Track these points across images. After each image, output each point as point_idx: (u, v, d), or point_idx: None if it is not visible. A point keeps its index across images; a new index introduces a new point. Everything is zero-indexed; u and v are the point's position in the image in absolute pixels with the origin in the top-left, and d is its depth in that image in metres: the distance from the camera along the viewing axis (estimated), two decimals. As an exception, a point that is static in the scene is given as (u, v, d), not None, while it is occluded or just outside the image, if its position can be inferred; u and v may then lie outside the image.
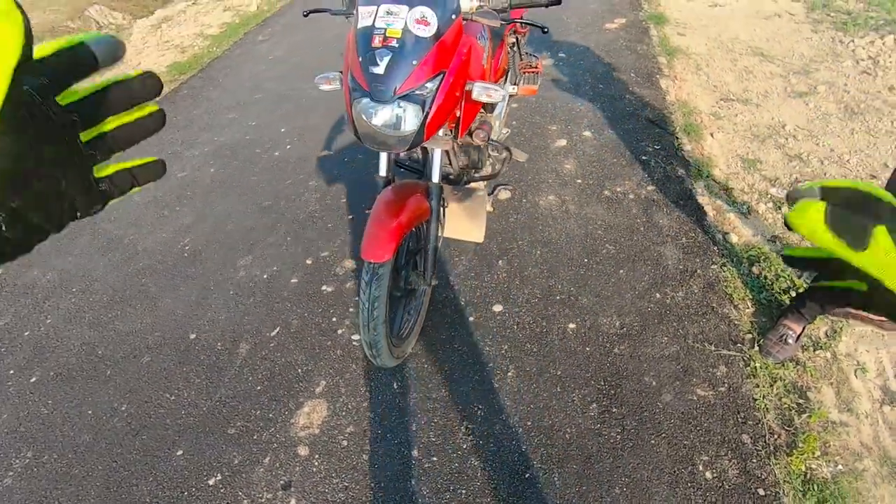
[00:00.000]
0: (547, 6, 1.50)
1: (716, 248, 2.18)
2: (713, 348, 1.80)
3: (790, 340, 1.71)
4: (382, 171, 1.64)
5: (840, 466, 1.49)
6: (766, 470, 1.49)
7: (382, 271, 1.44)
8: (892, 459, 1.50)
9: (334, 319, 2.04)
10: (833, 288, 0.40)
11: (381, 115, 1.33)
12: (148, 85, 0.36)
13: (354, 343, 1.94)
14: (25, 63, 0.26)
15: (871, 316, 1.74)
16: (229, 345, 1.99)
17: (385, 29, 1.30)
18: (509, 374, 1.79)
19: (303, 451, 1.64)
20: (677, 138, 2.82)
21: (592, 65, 3.58)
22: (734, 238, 2.23)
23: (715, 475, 1.49)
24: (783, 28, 3.89)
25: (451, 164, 1.86)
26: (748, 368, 1.73)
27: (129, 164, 0.39)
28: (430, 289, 1.90)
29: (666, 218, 2.35)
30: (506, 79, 2.20)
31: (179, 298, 2.21)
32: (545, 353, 1.84)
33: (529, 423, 1.64)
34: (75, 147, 0.33)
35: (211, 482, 1.58)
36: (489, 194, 2.03)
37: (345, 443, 1.65)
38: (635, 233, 2.28)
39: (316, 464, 1.60)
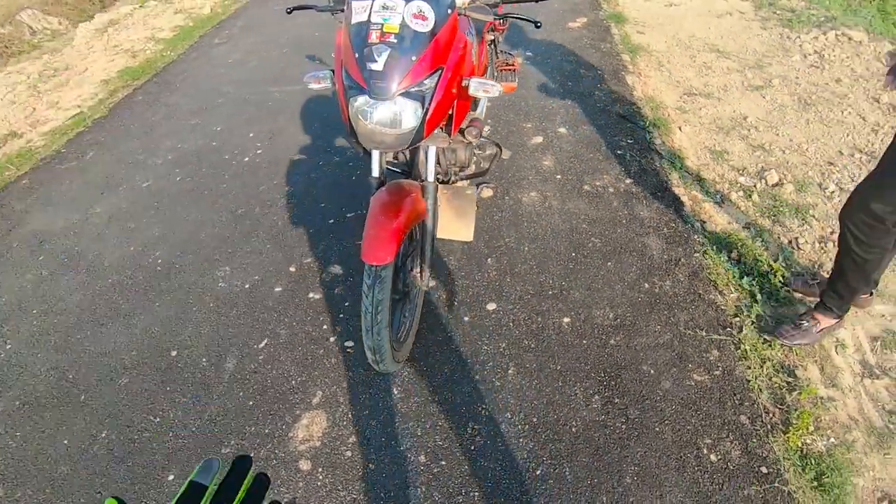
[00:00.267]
0: (538, 0, 1.50)
1: (696, 236, 2.25)
2: (704, 334, 1.85)
3: (813, 330, 1.73)
4: (375, 173, 1.60)
5: (832, 439, 1.56)
6: (766, 448, 1.54)
7: (385, 273, 1.40)
8: (877, 430, 1.58)
9: (325, 327, 1.97)
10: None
11: (381, 114, 1.30)
12: (260, 484, 0.45)
13: (349, 350, 1.88)
14: None
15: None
16: (215, 360, 1.89)
17: (382, 24, 1.27)
18: (510, 371, 1.78)
19: (305, 465, 1.57)
20: (648, 132, 2.90)
21: (560, 63, 3.64)
22: (712, 226, 2.31)
23: (719, 457, 1.52)
24: (735, 25, 4.08)
25: (438, 163, 1.83)
26: (739, 351, 1.79)
27: None
28: (424, 291, 1.87)
29: (646, 210, 2.40)
30: (486, 76, 2.20)
31: (155, 314, 2.09)
32: (543, 349, 1.84)
33: (535, 420, 1.64)
34: None
35: (208, 506, 1.49)
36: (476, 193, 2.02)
37: (349, 454, 1.59)
38: (618, 225, 2.32)
39: (320, 478, 1.54)
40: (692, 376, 1.73)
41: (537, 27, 1.57)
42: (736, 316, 1.91)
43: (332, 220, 2.47)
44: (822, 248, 2.19)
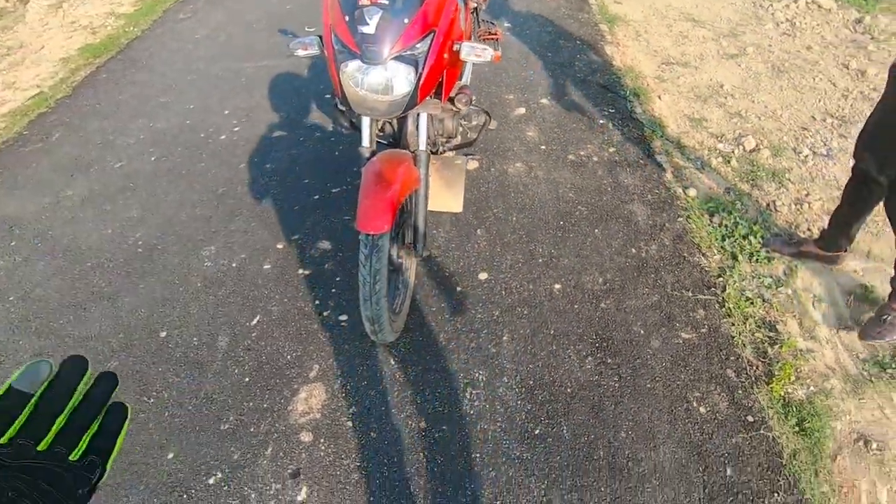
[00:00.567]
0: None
1: (679, 202, 2.30)
2: (690, 294, 1.91)
3: (894, 321, 1.70)
4: (366, 142, 1.57)
5: (812, 388, 1.64)
6: (752, 399, 1.61)
7: (382, 242, 1.39)
8: (852, 377, 1.67)
9: (318, 302, 1.96)
10: None
11: (373, 79, 1.28)
12: (104, 384, 0.40)
13: (343, 324, 1.88)
14: None
15: (820, 252, 1.91)
16: (207, 339, 1.87)
17: (372, -15, 1.24)
18: (504, 338, 1.81)
19: (306, 437, 1.58)
20: (629, 102, 2.93)
21: (538, 34, 3.62)
22: (693, 192, 2.36)
23: (708, 409, 1.59)
24: (710, -6, 4.11)
25: (427, 133, 1.82)
26: (723, 309, 1.86)
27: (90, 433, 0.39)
28: (417, 262, 1.88)
29: (630, 177, 2.44)
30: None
31: (141, 296, 2.04)
32: (536, 315, 1.87)
33: (531, 382, 1.68)
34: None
35: (211, 481, 1.49)
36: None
37: (349, 423, 1.61)
38: (604, 193, 2.36)
39: (322, 448, 1.55)
40: (680, 334, 1.79)
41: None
42: (719, 276, 1.98)
43: (317, 196, 2.44)
44: (798, 210, 2.27)
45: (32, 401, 0.35)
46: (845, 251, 1.96)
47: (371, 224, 1.35)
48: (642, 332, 1.80)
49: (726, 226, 2.17)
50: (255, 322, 1.91)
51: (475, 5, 2.24)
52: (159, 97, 3.29)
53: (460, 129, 1.94)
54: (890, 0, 3.77)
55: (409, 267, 1.83)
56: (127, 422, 0.40)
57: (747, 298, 1.89)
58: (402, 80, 1.29)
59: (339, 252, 2.16)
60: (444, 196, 1.95)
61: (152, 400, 1.70)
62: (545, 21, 3.75)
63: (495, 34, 2.41)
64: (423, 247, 1.67)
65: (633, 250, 2.09)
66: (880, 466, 1.46)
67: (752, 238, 2.09)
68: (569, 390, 1.65)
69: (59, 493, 0.35)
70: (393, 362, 1.75)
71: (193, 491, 1.48)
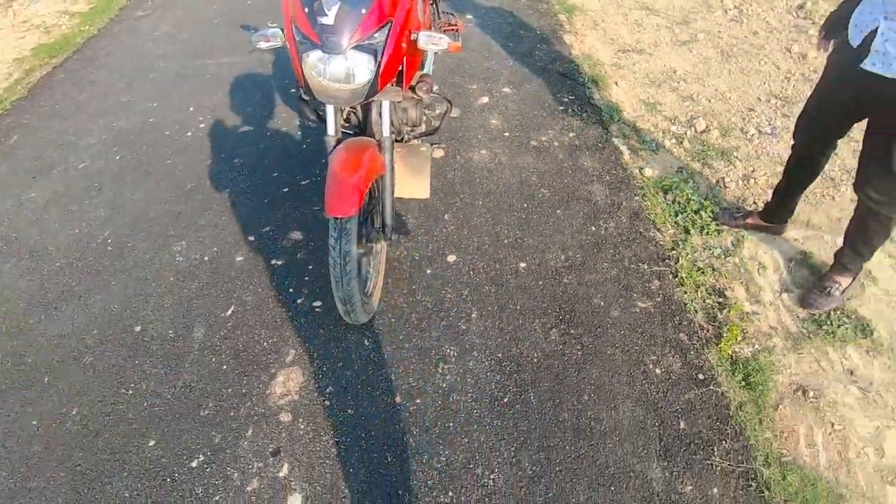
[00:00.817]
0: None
1: (635, 181, 2.42)
2: (646, 267, 2.03)
3: (835, 293, 1.84)
4: (331, 131, 1.63)
5: (757, 346, 1.78)
6: (703, 359, 1.74)
7: (350, 226, 1.46)
8: (793, 335, 1.82)
9: (291, 290, 2.01)
10: None
11: (335, 68, 1.33)
12: None
13: (317, 310, 1.94)
14: None
15: (765, 223, 2.05)
16: (182, 331, 1.90)
17: (329, -22, 1.29)
18: (473, 315, 1.89)
19: (286, 417, 1.64)
20: (587, 88, 3.04)
21: (499, 25, 3.71)
22: (648, 172, 2.49)
23: (663, 370, 1.71)
24: (662, -16, 4.26)
25: (391, 122, 1.88)
26: (676, 279, 1.98)
27: None
28: (387, 245, 1.94)
29: (589, 160, 2.55)
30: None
31: (113, 293, 2.05)
32: (503, 293, 1.97)
33: (500, 355, 1.77)
34: None
35: (193, 464, 1.54)
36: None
37: (327, 402, 1.67)
38: (565, 176, 2.46)
39: (302, 427, 1.61)
40: (637, 304, 1.91)
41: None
42: (673, 249, 2.10)
43: (286, 189, 2.47)
44: (746, 185, 2.42)
45: None
46: (786, 222, 2.11)
47: (339, 208, 1.41)
48: (602, 303, 1.91)
49: (679, 202, 2.30)
50: (230, 312, 1.95)
51: (433, -2, 2.31)
52: (120, 96, 3.25)
53: (424, 118, 2.00)
54: (828, -14, 3.98)
55: (380, 251, 1.90)
56: None
57: (698, 268, 2.02)
58: (362, 68, 1.35)
59: (310, 242, 2.21)
60: (411, 183, 2.01)
61: (130, 392, 1.73)
62: (505, 12, 3.84)
63: (455, 26, 2.48)
64: (391, 231, 1.74)
65: (593, 228, 2.20)
66: (816, 412, 1.61)
67: (703, 213, 2.23)
68: (535, 360, 1.75)
69: None
70: (367, 343, 1.82)
71: (177, 474, 1.52)
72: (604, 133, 2.72)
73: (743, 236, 2.15)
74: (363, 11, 1.30)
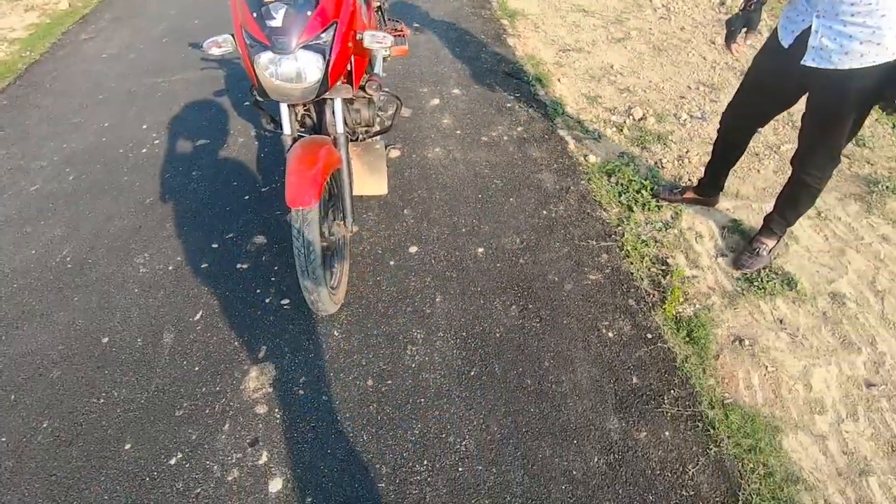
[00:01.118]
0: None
1: (581, 168, 2.58)
2: (594, 243, 2.18)
3: (763, 253, 2.03)
4: (287, 130, 1.70)
5: (697, 305, 1.94)
6: (650, 320, 1.89)
7: (311, 216, 1.53)
8: (728, 293, 1.99)
9: (258, 291, 2.06)
10: None
11: (286, 67, 1.42)
12: None
13: (286, 307, 1.99)
14: None
15: (699, 197, 2.24)
16: (151, 338, 1.92)
17: (275, -17, 1.38)
18: (437, 299, 1.99)
19: (261, 409, 1.68)
20: (532, 86, 3.21)
21: (445, 31, 3.86)
22: (592, 158, 2.66)
23: (615, 333, 1.85)
24: (596, -13, 4.52)
25: (346, 122, 1.97)
26: (623, 252, 2.14)
27: None
28: (350, 237, 2.01)
29: (537, 151, 2.70)
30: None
31: (76, 308, 2.04)
32: (463, 277, 2.07)
33: (464, 333, 1.87)
34: None
35: (172, 462, 1.57)
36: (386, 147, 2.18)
37: (301, 392, 1.73)
38: (515, 167, 2.60)
39: (278, 416, 1.66)
40: (588, 277, 2.05)
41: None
42: (618, 225, 2.26)
43: (247, 197, 2.52)
44: (681, 164, 2.62)
45: None
46: (718, 195, 2.30)
47: (299, 200, 1.49)
48: (556, 278, 2.04)
49: (622, 184, 2.47)
50: (198, 317, 1.98)
51: (378, 4, 2.42)
52: (70, 118, 3.22)
53: (377, 118, 2.10)
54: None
55: (344, 244, 1.97)
56: None
57: (642, 241, 2.18)
58: (311, 67, 1.44)
59: (274, 244, 2.26)
60: (368, 181, 2.10)
61: (102, 400, 1.74)
62: (451, 20, 4.00)
63: (401, 31, 2.61)
64: (352, 222, 1.82)
65: (545, 212, 2.34)
66: (752, 358, 1.77)
67: (643, 192, 2.40)
68: (497, 335, 1.86)
69: None
70: (337, 333, 1.89)
71: (156, 472, 1.54)
72: (549, 126, 2.88)
73: (681, 210, 2.33)
74: (309, 13, 1.40)
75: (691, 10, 4.09)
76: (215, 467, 1.55)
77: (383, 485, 1.49)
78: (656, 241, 2.19)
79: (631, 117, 2.96)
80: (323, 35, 1.44)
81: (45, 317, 2.03)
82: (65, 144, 3.00)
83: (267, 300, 2.02)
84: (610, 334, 1.85)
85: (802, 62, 1.59)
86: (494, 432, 1.59)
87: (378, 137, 2.11)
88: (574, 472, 1.49)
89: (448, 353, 1.81)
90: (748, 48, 1.83)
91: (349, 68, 1.71)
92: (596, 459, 1.52)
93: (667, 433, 1.57)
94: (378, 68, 2.23)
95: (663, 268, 2.08)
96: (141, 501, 1.48)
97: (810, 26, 1.54)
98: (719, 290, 2.01)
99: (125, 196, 2.58)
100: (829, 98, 1.62)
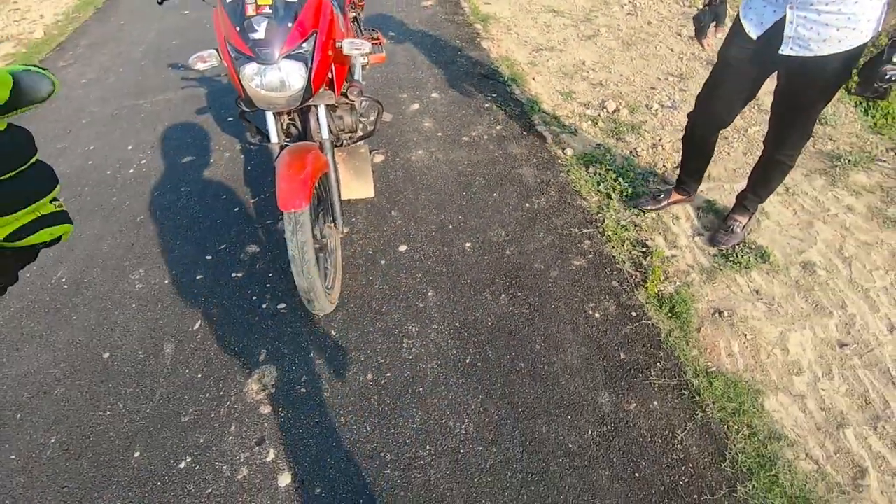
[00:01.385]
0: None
1: (559, 161, 2.68)
2: (577, 230, 2.27)
3: (737, 230, 2.11)
4: (274, 139, 1.77)
5: (678, 283, 2.03)
6: (634, 300, 1.97)
7: (303, 218, 1.60)
8: (706, 269, 2.09)
9: (255, 298, 2.11)
10: None
11: (270, 77, 1.49)
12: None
13: (283, 311, 2.05)
14: None
15: (682, 197, 2.26)
16: (152, 350, 1.96)
17: (255, -1, 1.45)
18: (429, 294, 2.06)
19: (265, 409, 1.74)
20: (508, 86, 3.31)
21: (421, 37, 3.95)
22: (570, 151, 2.75)
23: (601, 314, 1.93)
24: (564, -12, 4.66)
25: (330, 128, 2.04)
26: (604, 237, 2.23)
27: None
28: (341, 239, 2.08)
29: (517, 148, 2.79)
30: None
31: (76, 327, 2.08)
32: (453, 271, 2.14)
33: (457, 324, 1.94)
34: None
35: (181, 465, 1.61)
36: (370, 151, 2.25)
37: (303, 390, 1.78)
38: (497, 163, 2.69)
39: (283, 415, 1.71)
40: (573, 262, 2.13)
41: (390, -8, 1.82)
42: (598, 213, 2.35)
43: (237, 209, 2.57)
44: (655, 152, 2.72)
45: None
46: (696, 190, 2.32)
47: (291, 203, 1.55)
48: (542, 266, 2.12)
49: (600, 173, 2.57)
50: (197, 326, 2.03)
51: (354, 15, 2.50)
52: (55, 143, 3.25)
53: (360, 123, 2.17)
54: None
55: (335, 246, 2.04)
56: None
57: (622, 226, 2.27)
58: (295, 75, 1.51)
59: (267, 252, 2.31)
60: (355, 184, 2.17)
61: (108, 412, 1.78)
62: (426, 26, 4.10)
63: (378, 39, 2.69)
64: (342, 223, 1.89)
65: (527, 205, 2.42)
66: (732, 328, 1.86)
67: (621, 180, 2.50)
68: (490, 323, 1.93)
69: None
70: (334, 333, 1.95)
71: (167, 477, 1.59)
72: (527, 123, 2.98)
73: (658, 195, 2.43)
74: (289, 25, 1.47)
75: (656, 4, 4.23)
76: (224, 467, 1.59)
77: (388, 471, 1.55)
78: (635, 226, 2.29)
79: (605, 110, 3.07)
80: (304, 44, 1.51)
81: (44, 337, 2.06)
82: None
83: (264, 306, 2.08)
84: (596, 315, 1.93)
85: (780, 52, 1.59)
86: (492, 414, 1.66)
87: (362, 142, 2.19)
88: (570, 445, 1.57)
89: (443, 343, 1.88)
90: (718, 41, 1.88)
91: (330, 76, 1.78)
92: (590, 432, 1.60)
93: (655, 403, 1.65)
94: (358, 75, 2.30)
95: (643, 250, 2.18)
96: (154, 505, 1.53)
97: (783, 17, 1.55)
98: (698, 267, 2.10)
99: (116, 216, 2.62)
100: (805, 83, 1.64)
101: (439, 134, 2.94)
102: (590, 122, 2.98)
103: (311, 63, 1.53)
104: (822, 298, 1.93)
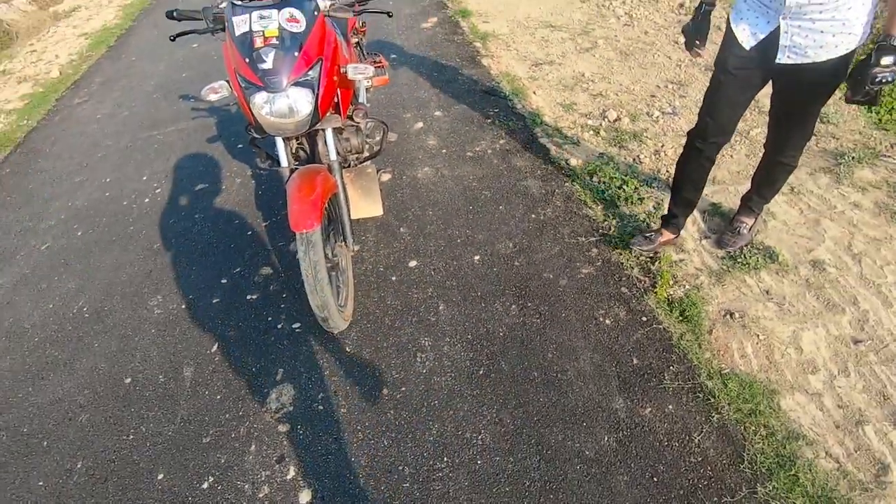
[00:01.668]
0: (385, -3, 1.83)
1: (563, 171, 2.72)
2: (584, 239, 2.29)
3: (744, 231, 2.12)
4: (284, 163, 1.83)
5: (687, 286, 2.04)
6: (643, 305, 1.98)
7: (315, 238, 1.64)
8: (715, 271, 2.10)
9: (270, 319, 2.16)
10: None
11: (279, 104, 1.55)
12: None
13: (297, 331, 2.09)
14: None
15: (672, 237, 2.18)
16: (172, 374, 2.00)
17: (263, 31, 1.52)
18: (440, 307, 2.09)
19: (284, 427, 1.76)
20: (509, 101, 3.37)
21: (422, 58, 4.05)
22: (574, 161, 2.79)
23: (612, 320, 1.94)
24: (560, 3, 4.76)
25: (337, 150, 2.10)
26: (611, 244, 2.24)
27: None
28: (351, 257, 2.12)
29: (521, 161, 2.84)
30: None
31: (98, 354, 2.13)
32: (463, 284, 2.17)
33: (470, 336, 1.96)
34: None
35: (205, 486, 1.64)
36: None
37: (321, 407, 1.81)
38: (501, 177, 2.73)
39: (301, 432, 1.74)
40: (581, 271, 2.15)
41: (389, 16, 1.90)
42: (605, 220, 2.38)
43: (249, 232, 2.64)
44: (657, 158, 2.75)
45: None
46: (682, 226, 2.18)
47: (303, 223, 1.60)
48: (551, 276, 2.15)
49: (604, 182, 2.60)
50: (214, 349, 2.07)
51: (356, 40, 2.59)
52: (73, 178, 3.36)
53: (366, 144, 2.23)
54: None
55: (347, 265, 2.08)
56: None
57: (629, 232, 2.29)
58: (302, 102, 1.57)
59: (280, 274, 2.36)
60: (364, 204, 2.22)
61: (131, 436, 1.82)
62: (426, 47, 4.20)
63: (380, 62, 2.77)
64: (352, 242, 1.93)
65: (533, 216, 2.46)
66: (744, 329, 1.87)
67: (625, 187, 2.53)
68: (501, 334, 1.95)
69: None
70: (349, 349, 1.98)
71: (190, 498, 1.61)
72: (530, 136, 3.02)
73: (662, 200, 2.45)
74: (296, 54, 1.54)
75: (652, 14, 4.30)
76: (246, 486, 1.62)
77: (407, 485, 1.57)
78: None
79: (606, 120, 3.11)
80: (310, 72, 1.58)
81: (68, 365, 2.11)
82: (70, 203, 3.13)
83: (279, 326, 2.12)
84: (607, 321, 1.94)
85: (777, 61, 1.58)
86: (508, 424, 1.67)
87: (369, 162, 2.24)
88: (587, 452, 1.57)
89: (456, 356, 1.90)
90: (709, 52, 1.88)
91: (336, 100, 1.84)
92: (606, 438, 1.60)
93: (670, 406, 1.66)
94: (362, 98, 2.37)
95: (651, 255, 2.19)
96: (178, 526, 1.55)
97: (777, 27, 1.55)
98: (706, 269, 2.11)
99: (133, 244, 2.69)
100: (803, 88, 1.65)
101: (444, 150, 2.99)
102: (591, 133, 3.03)
103: (318, 89, 1.59)
104: (834, 296, 1.93)
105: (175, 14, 1.79)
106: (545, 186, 2.63)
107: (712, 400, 1.65)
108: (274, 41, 1.52)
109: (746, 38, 1.66)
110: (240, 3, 1.64)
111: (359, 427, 1.73)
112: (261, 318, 2.16)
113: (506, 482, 1.53)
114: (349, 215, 1.95)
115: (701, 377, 1.72)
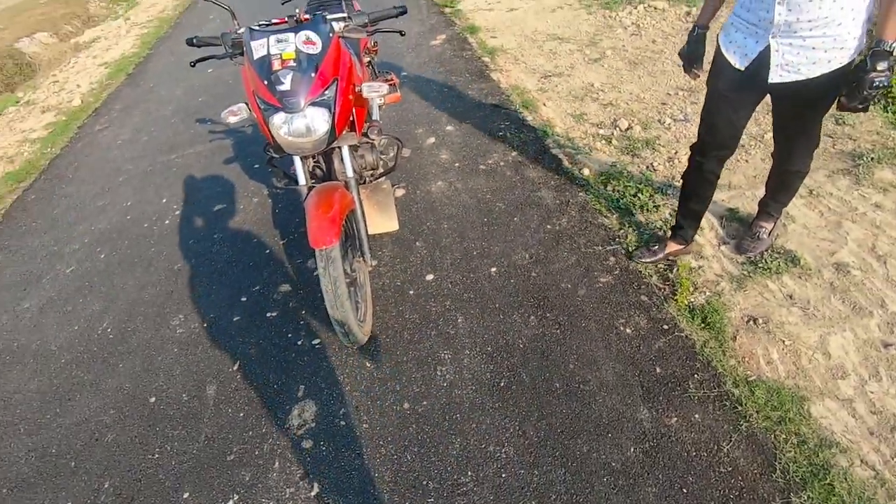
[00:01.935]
0: (396, 16, 1.88)
1: (577, 181, 2.72)
2: (600, 248, 2.29)
3: (763, 236, 2.11)
4: (302, 181, 1.86)
5: (708, 293, 2.02)
6: (664, 313, 1.96)
7: (334, 254, 1.66)
8: (736, 277, 2.07)
9: (290, 336, 2.17)
10: None
11: (297, 124, 1.58)
12: None
13: (317, 346, 2.10)
14: None
15: (680, 248, 2.17)
16: (195, 392, 2.02)
17: (280, 54, 1.56)
18: (459, 320, 2.09)
19: (307, 444, 1.77)
20: (520, 113, 3.40)
21: (433, 74, 4.10)
22: (587, 171, 2.79)
23: (633, 329, 1.93)
24: (567, 16, 4.80)
25: (353, 167, 2.13)
26: (628, 253, 2.23)
27: None
28: (369, 272, 2.13)
29: (534, 172, 2.85)
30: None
31: (123, 374, 2.17)
32: (481, 296, 2.17)
33: (489, 348, 1.96)
34: None
35: (230, 504, 1.64)
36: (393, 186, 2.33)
37: (342, 423, 1.81)
38: (515, 188, 2.74)
39: (324, 448, 1.74)
40: (599, 280, 2.14)
41: (402, 35, 1.94)
42: (621, 229, 2.37)
43: (267, 251, 2.67)
44: (671, 165, 2.74)
45: None
46: (692, 241, 2.17)
47: (322, 240, 1.62)
48: (570, 286, 2.14)
49: (618, 190, 2.60)
50: (236, 367, 2.09)
51: (368, 59, 2.64)
52: (95, 202, 3.44)
53: (381, 160, 2.26)
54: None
55: (365, 280, 2.09)
56: None
57: (645, 240, 2.28)
58: (320, 121, 1.60)
59: (299, 290, 2.39)
60: (380, 219, 2.25)
61: (156, 455, 1.83)
62: (436, 63, 4.26)
63: (392, 80, 2.81)
64: (370, 257, 1.95)
65: (549, 226, 2.46)
66: (768, 335, 1.84)
67: (640, 195, 2.52)
68: (521, 346, 1.94)
69: None
70: (369, 364, 1.98)
71: (215, 516, 1.62)
72: (541, 147, 3.04)
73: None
74: (312, 75, 1.57)
75: (659, 23, 4.32)
76: (271, 503, 1.62)
77: (432, 499, 1.55)
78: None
79: (617, 129, 3.11)
80: (326, 92, 1.61)
81: (94, 385, 2.15)
82: (93, 226, 3.20)
83: (299, 342, 2.13)
84: (628, 330, 1.92)
85: (770, 80, 1.58)
86: (531, 436, 1.66)
87: (384, 178, 2.27)
88: (613, 464, 1.55)
89: (476, 368, 1.89)
90: (704, 73, 1.88)
91: (352, 118, 1.88)
92: (632, 449, 1.58)
93: (696, 416, 1.63)
94: (376, 115, 2.41)
95: (669, 262, 2.17)
96: (205, 545, 1.55)
97: (767, 47, 1.54)
98: (727, 275, 2.09)
99: (155, 265, 2.74)
100: (801, 103, 1.64)
101: (457, 164, 3.02)
102: (603, 142, 3.03)
103: (334, 108, 1.62)
104: (860, 299, 1.89)
105: (195, 41, 1.85)
106: (559, 197, 2.63)
107: (739, 408, 1.62)
108: (291, 63, 1.56)
109: (737, 59, 1.65)
110: (258, 27, 1.69)
111: (381, 442, 1.73)
112: (281, 335, 2.18)
113: (532, 496, 1.52)
114: (366, 231, 1.98)
115: (727, 385, 1.69)
